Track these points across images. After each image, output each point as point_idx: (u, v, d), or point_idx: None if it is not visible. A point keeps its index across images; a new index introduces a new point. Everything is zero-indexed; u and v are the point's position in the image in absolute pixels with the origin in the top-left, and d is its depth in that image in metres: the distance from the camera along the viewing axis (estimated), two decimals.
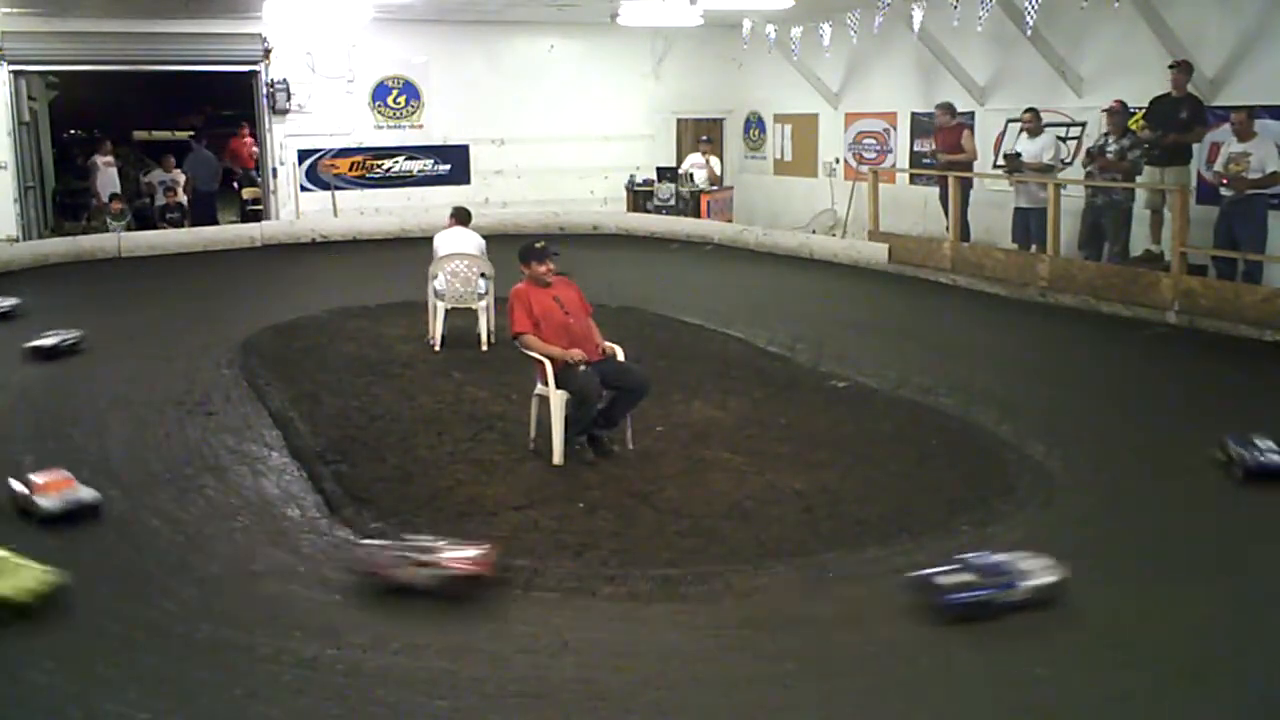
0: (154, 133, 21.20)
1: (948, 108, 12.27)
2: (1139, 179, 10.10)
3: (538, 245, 6.04)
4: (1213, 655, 3.87)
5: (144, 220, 14.86)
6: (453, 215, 9.11)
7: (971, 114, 12.68)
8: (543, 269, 5.97)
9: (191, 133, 19.25)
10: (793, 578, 4.49)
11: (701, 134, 16.58)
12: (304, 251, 14.07)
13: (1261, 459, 5.40)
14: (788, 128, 16.38)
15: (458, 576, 4.20)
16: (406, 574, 4.22)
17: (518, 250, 6.10)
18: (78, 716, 3.44)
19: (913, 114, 14.03)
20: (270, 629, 4.00)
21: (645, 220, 15.35)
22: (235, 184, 17.34)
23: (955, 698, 3.60)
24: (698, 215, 15.02)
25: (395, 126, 15.62)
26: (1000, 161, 11.59)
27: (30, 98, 14.53)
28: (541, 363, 5.83)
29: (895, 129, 14.37)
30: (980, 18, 10.34)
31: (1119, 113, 10.12)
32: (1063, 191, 10.50)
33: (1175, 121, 9.76)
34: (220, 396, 7.20)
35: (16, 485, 5.13)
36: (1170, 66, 9.81)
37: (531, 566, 4.54)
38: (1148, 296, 9.35)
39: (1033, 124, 11.08)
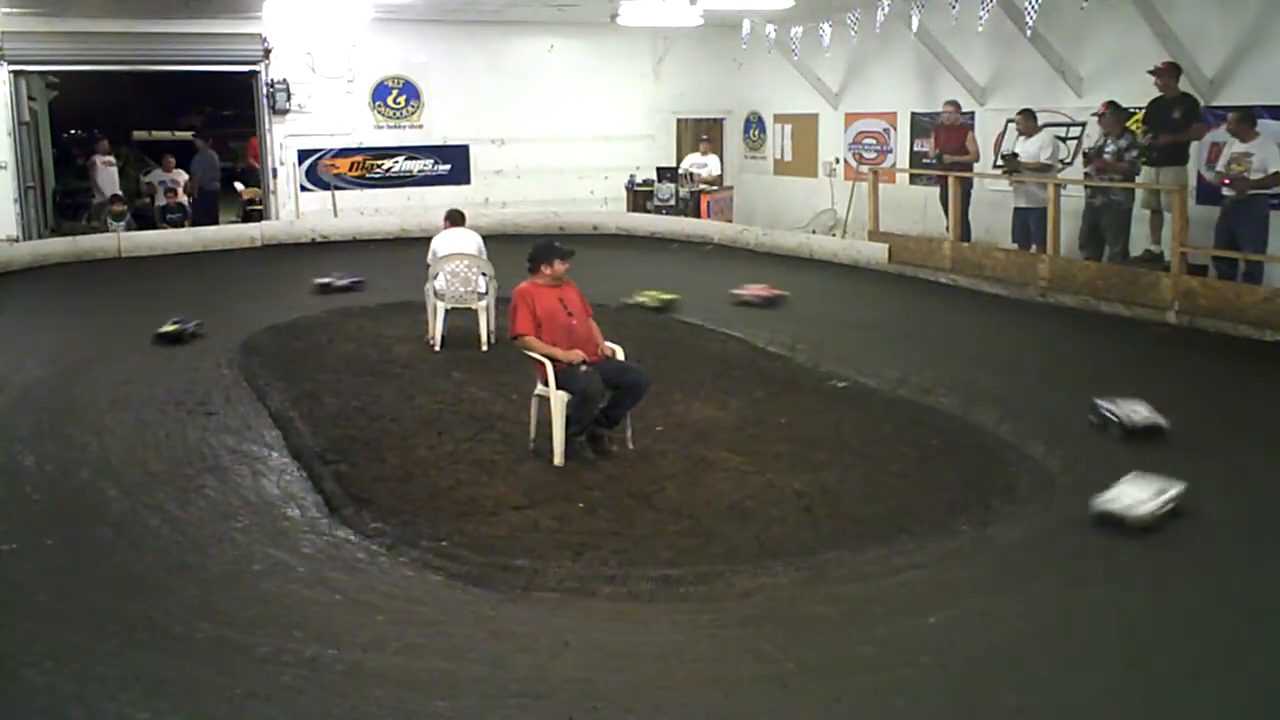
0: (154, 133, 21.22)
1: (956, 105, 12.29)
2: (1138, 179, 10.11)
3: (556, 244, 6.06)
4: (1213, 655, 3.87)
5: (144, 220, 14.87)
6: (448, 218, 9.12)
7: (971, 114, 12.68)
8: (564, 268, 5.98)
9: (192, 133, 19.27)
10: (793, 578, 4.49)
11: (701, 134, 16.59)
12: (304, 251, 14.07)
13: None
14: (788, 128, 16.39)
15: None
16: None
17: (532, 250, 6.09)
18: (78, 716, 3.45)
19: (913, 114, 14.03)
20: (270, 629, 4.00)
21: (645, 220, 15.34)
22: (235, 184, 17.35)
23: (955, 697, 3.60)
24: (698, 215, 15.02)
25: (395, 126, 15.63)
26: (999, 162, 11.59)
27: (30, 98, 14.54)
28: (541, 363, 5.83)
29: (895, 129, 14.37)
30: (980, 18, 10.34)
31: (1108, 115, 10.12)
32: (1062, 191, 10.50)
33: (1170, 122, 9.76)
34: (220, 396, 7.20)
35: None
36: (1150, 72, 9.80)
37: (531, 566, 4.54)
38: (1148, 296, 9.35)
39: (1026, 125, 11.09)
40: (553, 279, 5.99)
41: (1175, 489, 4.93)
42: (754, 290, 10.29)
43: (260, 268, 12.96)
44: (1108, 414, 6.28)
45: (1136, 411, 6.22)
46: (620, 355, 6.15)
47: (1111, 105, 10.17)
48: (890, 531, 4.92)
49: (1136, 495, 4.89)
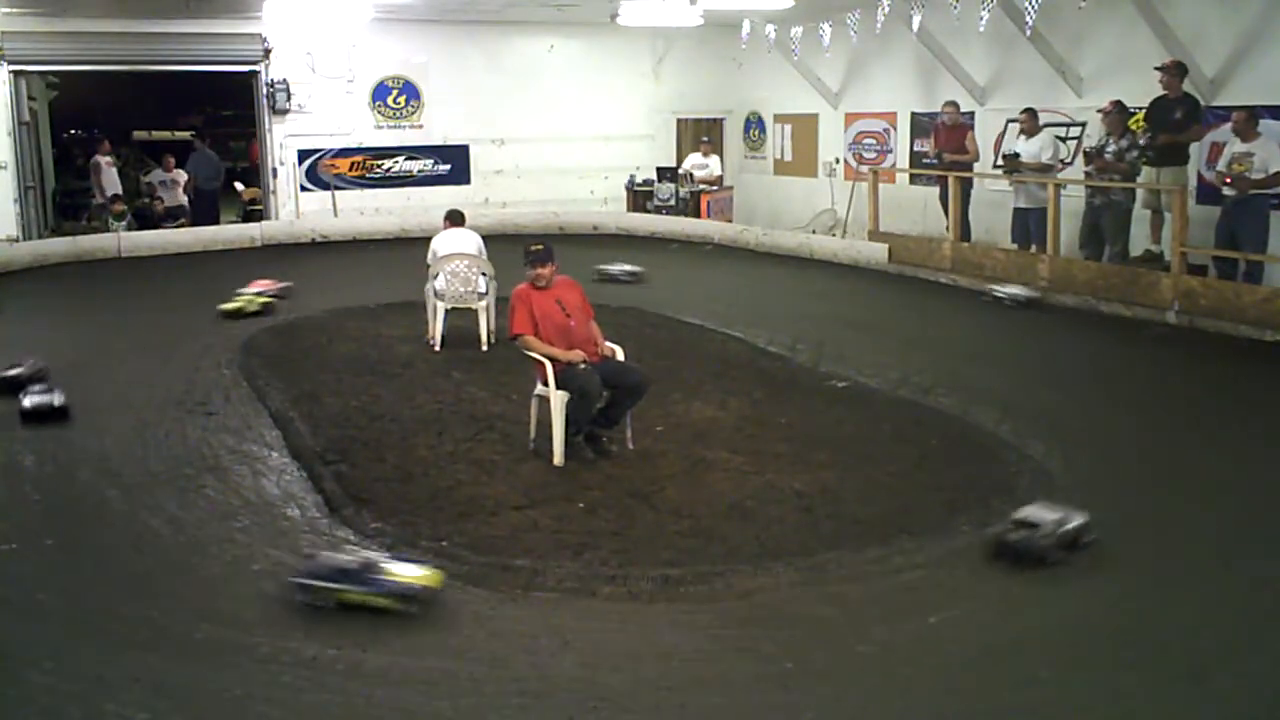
0: (154, 133, 21.21)
1: (956, 106, 12.29)
2: (1138, 179, 10.11)
3: (533, 248, 6.03)
4: (1213, 655, 3.87)
5: (144, 220, 14.86)
6: (447, 218, 9.12)
7: (971, 114, 12.68)
8: (536, 272, 5.96)
9: (192, 133, 19.27)
10: (793, 578, 4.49)
11: (702, 134, 16.59)
12: (304, 251, 14.07)
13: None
14: (788, 128, 16.39)
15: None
16: None
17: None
18: (78, 716, 3.44)
19: (913, 114, 14.03)
20: (270, 629, 4.00)
21: (645, 220, 15.35)
22: (234, 184, 17.36)
23: (954, 697, 3.60)
24: (698, 215, 15.03)
25: (395, 126, 15.63)
26: (999, 162, 11.59)
27: (30, 98, 14.53)
28: (541, 363, 5.83)
29: (895, 129, 14.37)
30: (980, 18, 10.34)
31: (1113, 114, 10.12)
32: (1062, 191, 10.50)
33: (1170, 122, 9.76)
34: (220, 396, 7.20)
35: None
36: (1156, 69, 9.80)
37: (531, 566, 4.54)
38: (1148, 296, 9.35)
39: (1029, 124, 11.08)
40: (537, 282, 5.97)
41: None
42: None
43: (260, 268, 12.92)
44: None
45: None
46: (620, 355, 6.14)
47: (1118, 104, 10.17)
48: (890, 531, 4.92)
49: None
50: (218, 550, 4.79)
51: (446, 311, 8.47)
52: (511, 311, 5.97)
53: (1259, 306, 8.57)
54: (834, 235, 14.26)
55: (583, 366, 5.77)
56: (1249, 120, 9.10)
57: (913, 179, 13.78)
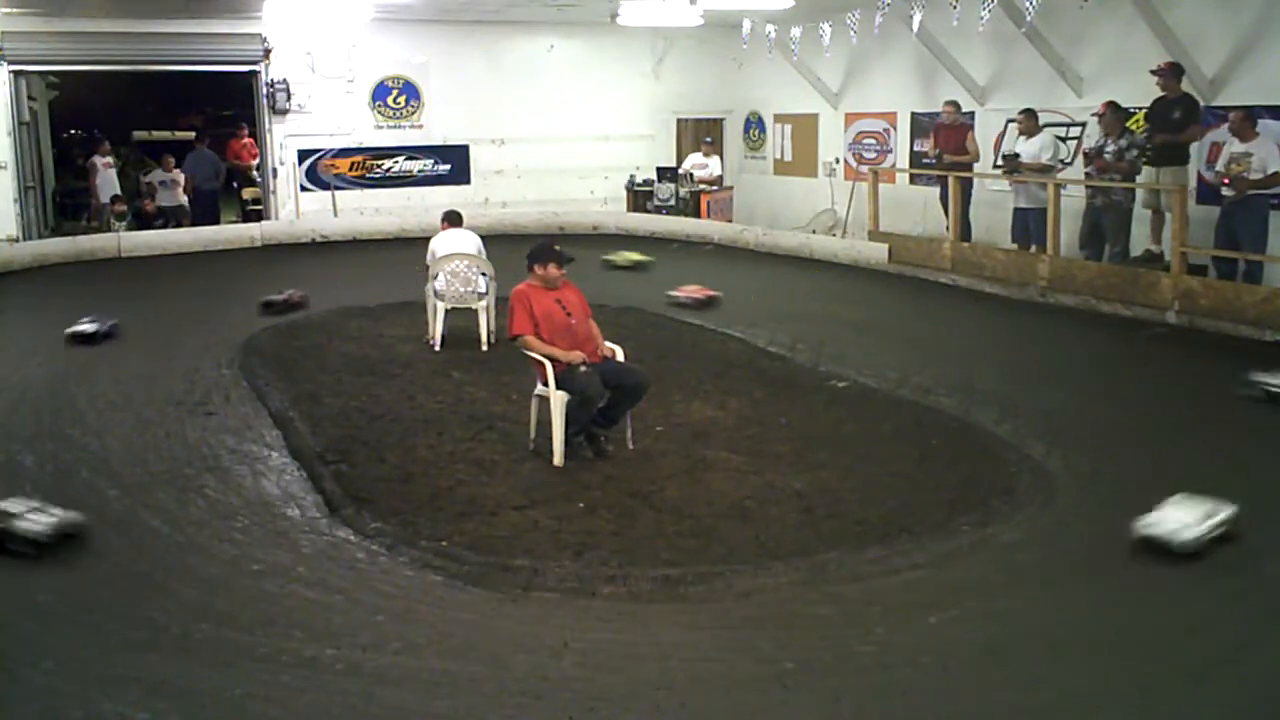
0: (154, 133, 21.23)
1: (956, 105, 12.29)
2: (1138, 179, 10.11)
3: (555, 247, 6.04)
4: (1212, 655, 3.87)
5: (144, 220, 14.86)
6: (445, 219, 9.11)
7: (971, 114, 12.67)
8: (557, 273, 5.96)
9: (193, 133, 19.27)
10: (793, 578, 4.49)
11: (704, 134, 16.59)
12: (304, 251, 14.07)
13: None
14: (788, 128, 16.39)
15: None
16: None
17: (531, 250, 6.08)
18: (78, 716, 3.44)
19: (913, 114, 14.03)
20: (270, 629, 4.00)
21: (645, 220, 15.35)
22: (234, 184, 17.37)
23: (954, 698, 3.60)
24: (698, 215, 15.03)
25: (395, 126, 15.63)
26: (999, 162, 11.59)
27: (30, 98, 14.54)
28: (541, 363, 5.83)
29: (895, 129, 14.37)
30: (981, 18, 10.34)
31: (1108, 115, 10.12)
32: (1063, 191, 10.50)
33: (1168, 122, 9.77)
34: (220, 396, 7.20)
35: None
36: (1152, 72, 9.80)
37: (531, 566, 4.54)
38: (1148, 296, 9.35)
39: (1027, 125, 11.09)
40: (545, 281, 5.97)
41: (1225, 511, 4.61)
42: (688, 291, 10.20)
43: (260, 268, 12.94)
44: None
45: None
46: (620, 356, 6.14)
47: (1112, 105, 10.17)
48: (890, 531, 4.92)
49: (1182, 519, 4.58)
50: (218, 550, 4.79)
51: (446, 311, 8.47)
52: (511, 311, 5.96)
53: (1259, 306, 8.57)
54: (834, 235, 14.26)
55: (583, 368, 5.76)
56: (1245, 120, 9.10)
57: (913, 179, 13.78)
